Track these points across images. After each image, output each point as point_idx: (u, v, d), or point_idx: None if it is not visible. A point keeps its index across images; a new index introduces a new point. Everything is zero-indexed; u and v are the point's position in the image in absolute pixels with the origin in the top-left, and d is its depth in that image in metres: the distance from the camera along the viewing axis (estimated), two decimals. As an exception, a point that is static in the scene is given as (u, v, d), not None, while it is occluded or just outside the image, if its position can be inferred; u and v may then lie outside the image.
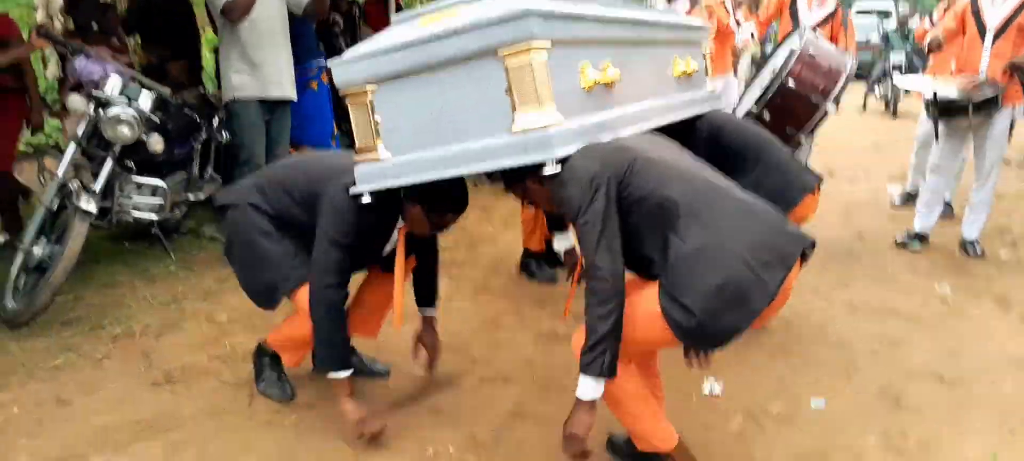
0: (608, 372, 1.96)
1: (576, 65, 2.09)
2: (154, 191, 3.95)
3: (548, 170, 1.95)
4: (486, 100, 2.00)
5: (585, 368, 1.97)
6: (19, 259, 3.61)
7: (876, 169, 7.68)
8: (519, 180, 2.23)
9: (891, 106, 11.51)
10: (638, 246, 2.03)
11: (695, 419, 2.77)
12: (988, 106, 4.39)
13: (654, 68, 2.69)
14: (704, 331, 1.93)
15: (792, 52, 3.84)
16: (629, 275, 2.03)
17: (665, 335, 1.98)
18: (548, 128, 1.93)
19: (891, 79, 11.37)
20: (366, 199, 2.32)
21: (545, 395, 2.98)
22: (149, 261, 4.39)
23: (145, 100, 3.80)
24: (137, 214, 3.93)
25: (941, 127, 4.75)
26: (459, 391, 3.03)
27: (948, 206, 5.39)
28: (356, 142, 2.29)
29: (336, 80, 2.24)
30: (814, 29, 4.73)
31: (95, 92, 3.68)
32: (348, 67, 2.20)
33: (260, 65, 4.18)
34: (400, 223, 2.60)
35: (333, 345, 2.55)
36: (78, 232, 3.46)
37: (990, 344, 3.50)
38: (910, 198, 5.94)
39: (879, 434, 2.71)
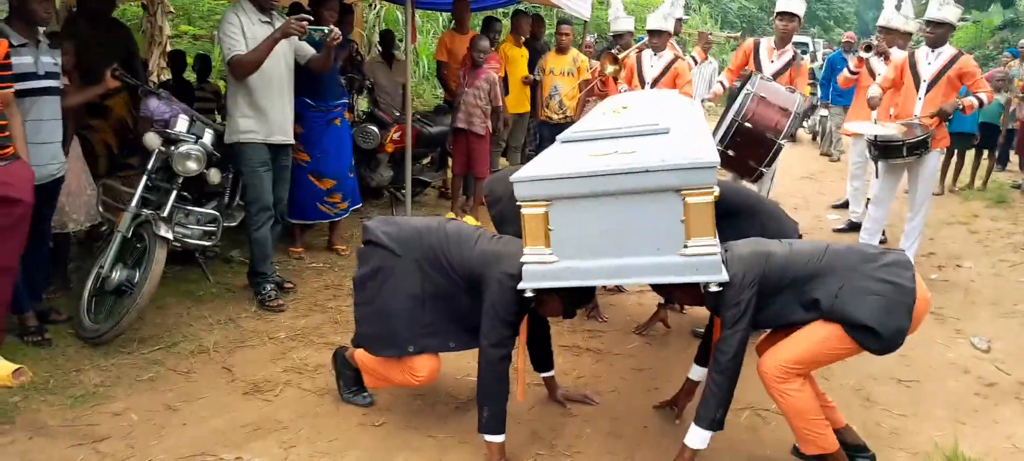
0: (719, 426, 2.72)
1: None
2: (208, 220, 4.35)
3: (715, 288, 2.57)
4: (660, 226, 2.51)
5: (712, 425, 2.72)
6: (92, 282, 3.97)
7: (815, 198, 8.56)
8: (677, 289, 2.84)
9: (819, 138, 12.55)
10: (791, 315, 2.74)
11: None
12: (920, 147, 5.20)
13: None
14: (891, 339, 2.63)
15: (747, 94, 4.51)
16: None
17: (846, 354, 2.74)
18: (715, 254, 2.52)
19: (818, 114, 12.43)
20: (529, 293, 2.72)
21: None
22: (190, 284, 4.76)
23: (208, 137, 4.22)
24: (193, 241, 4.31)
25: (880, 165, 5.55)
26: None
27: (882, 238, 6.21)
28: (526, 243, 2.68)
29: (518, 195, 2.62)
30: (774, 76, 5.47)
31: (168, 130, 4.07)
32: (531, 186, 2.60)
33: (267, 111, 4.32)
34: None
35: (498, 413, 2.88)
36: (159, 258, 3.85)
37: (933, 351, 4.26)
38: (853, 226, 6.77)
39: (858, 424, 3.34)
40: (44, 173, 3.65)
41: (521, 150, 7.82)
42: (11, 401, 3.26)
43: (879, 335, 2.60)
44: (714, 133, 4.97)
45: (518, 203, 2.65)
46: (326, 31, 4.28)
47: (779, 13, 5.51)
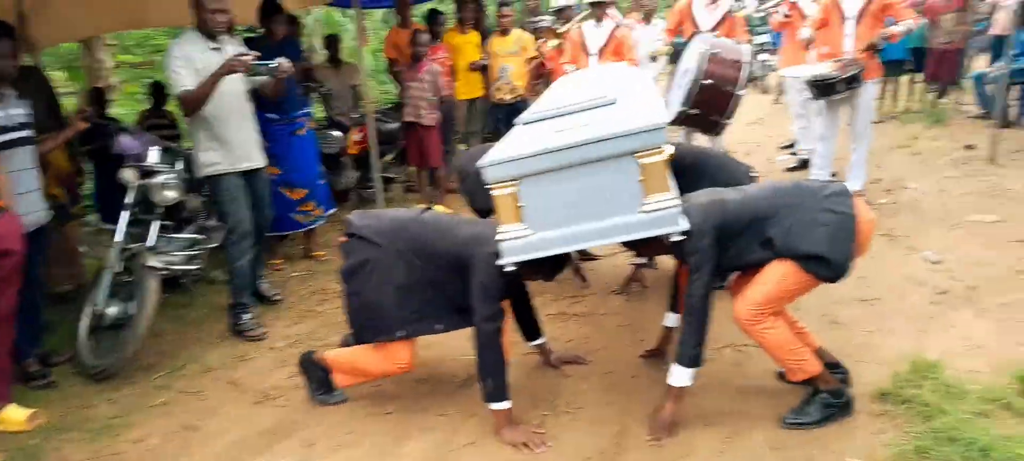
0: (698, 362, 2.95)
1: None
2: (192, 244, 4.46)
3: (676, 238, 2.79)
4: (620, 188, 2.73)
5: (691, 362, 2.95)
6: (87, 320, 4.07)
7: (764, 141, 8.88)
8: (644, 244, 3.02)
9: (759, 83, 12.93)
10: (749, 254, 2.96)
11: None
12: (855, 81, 5.50)
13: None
14: (839, 266, 2.87)
15: (701, 54, 4.74)
16: None
17: (807, 286, 2.95)
18: (674, 207, 2.75)
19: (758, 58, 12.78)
20: (510, 268, 2.91)
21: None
22: (180, 309, 4.88)
23: (180, 164, 4.33)
24: (179, 267, 4.41)
25: (821, 103, 5.85)
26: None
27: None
28: (500, 221, 2.88)
29: (487, 178, 2.81)
30: (713, 30, 5.73)
31: (142, 164, 4.18)
32: (499, 168, 2.79)
33: (229, 141, 4.26)
34: None
35: (500, 382, 3.08)
36: (152, 288, 3.96)
37: (889, 270, 4.58)
38: (803, 164, 7.10)
39: (828, 344, 3.59)
40: (29, 221, 3.73)
41: (480, 134, 8.00)
42: (31, 444, 3.38)
43: (829, 262, 2.85)
44: (672, 93, 5.21)
45: (488, 186, 2.85)
46: (273, 66, 4.14)
47: None
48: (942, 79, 9.19)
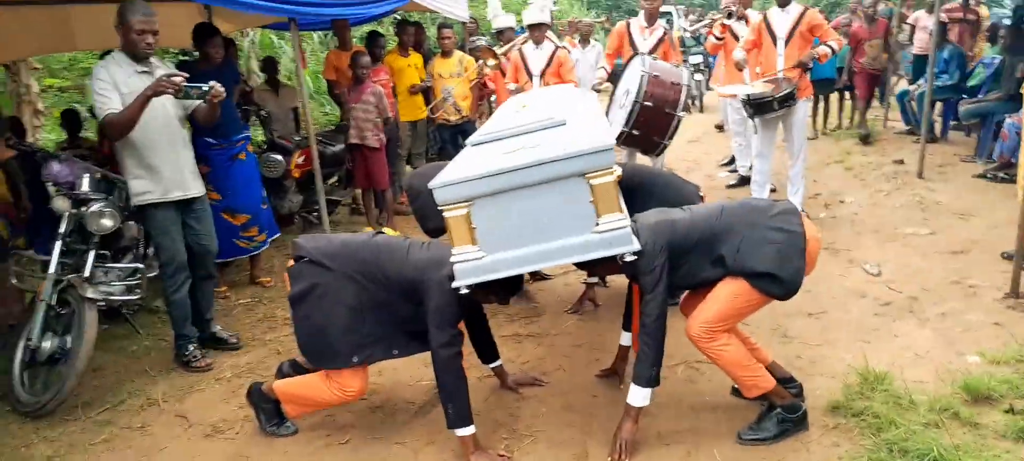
0: (656, 382, 2.95)
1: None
2: (129, 273, 4.29)
3: (630, 257, 2.80)
4: (573, 209, 2.73)
5: (648, 382, 2.95)
6: (21, 354, 3.87)
7: (704, 159, 9.06)
8: (597, 264, 3.02)
9: (696, 103, 13.22)
10: (701, 272, 2.99)
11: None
12: (789, 100, 5.69)
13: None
14: (790, 283, 2.92)
15: (642, 76, 4.83)
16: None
17: (758, 303, 3.00)
18: (625, 227, 2.75)
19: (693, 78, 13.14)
20: (464, 290, 2.89)
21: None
22: (121, 341, 4.68)
23: (117, 193, 4.18)
24: (117, 297, 4.24)
25: (757, 121, 6.03)
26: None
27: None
28: (453, 244, 2.84)
29: (438, 200, 2.77)
30: (651, 52, 5.85)
31: (74, 191, 4.02)
32: (450, 190, 2.75)
33: (158, 168, 4.03)
34: None
35: (463, 407, 3.02)
36: (90, 320, 3.80)
37: (832, 283, 4.71)
38: (743, 180, 7.27)
39: (782, 359, 3.70)
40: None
41: (425, 155, 7.98)
42: (-37, 489, 3.20)
43: (780, 279, 2.91)
44: (613, 114, 5.29)
45: (440, 208, 2.82)
46: (205, 89, 3.83)
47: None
48: (866, 98, 9.56)
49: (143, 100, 3.79)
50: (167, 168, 4.06)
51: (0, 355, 4.14)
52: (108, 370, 4.30)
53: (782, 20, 5.90)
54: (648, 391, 2.99)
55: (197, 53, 5.27)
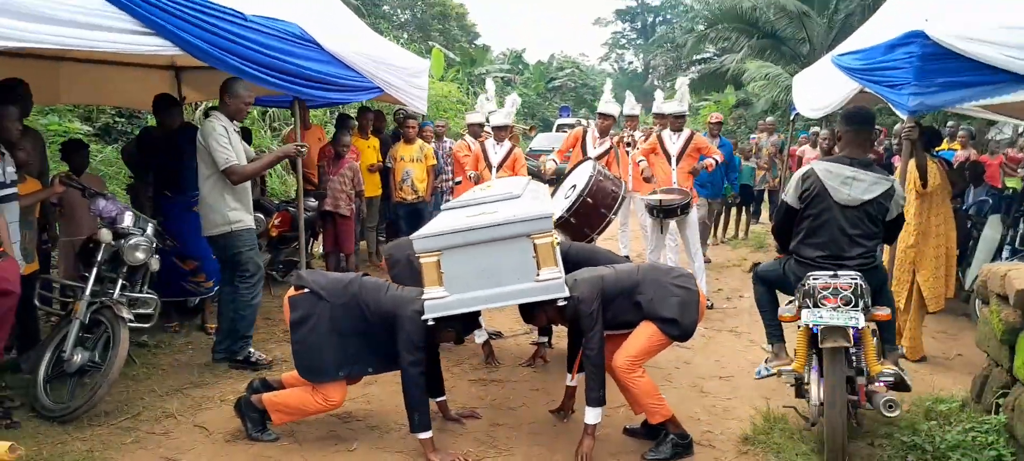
0: (603, 402, 3.77)
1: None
2: (147, 302, 4.86)
3: (562, 302, 3.66)
4: (519, 262, 3.61)
5: (598, 403, 3.74)
6: (47, 365, 4.37)
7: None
8: (534, 309, 3.90)
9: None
10: (623, 315, 3.86)
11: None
12: (688, 206, 6.81)
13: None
14: (687, 329, 3.80)
15: (590, 177, 5.80)
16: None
17: (663, 344, 3.83)
18: (559, 278, 3.64)
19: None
20: (431, 322, 3.70)
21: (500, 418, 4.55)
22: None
23: (151, 229, 4.80)
24: (137, 324, 4.77)
25: (651, 222, 7.12)
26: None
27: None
28: (425, 284, 3.68)
29: (417, 249, 3.65)
30: (598, 159, 6.90)
31: (116, 226, 4.61)
32: (427, 241, 3.64)
33: (247, 203, 5.18)
34: None
35: (424, 414, 3.80)
36: (123, 337, 4.35)
37: (737, 357, 5.72)
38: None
39: (698, 408, 4.63)
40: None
41: (376, 229, 8.75)
42: (17, 472, 3.66)
43: (680, 324, 3.81)
44: (557, 202, 6.22)
45: (417, 255, 3.69)
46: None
47: (599, 113, 7.15)
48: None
49: (275, 159, 5.59)
50: (248, 203, 5.17)
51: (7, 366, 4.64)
52: (117, 387, 4.77)
53: (673, 142, 7.10)
54: (599, 410, 3.79)
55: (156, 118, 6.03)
